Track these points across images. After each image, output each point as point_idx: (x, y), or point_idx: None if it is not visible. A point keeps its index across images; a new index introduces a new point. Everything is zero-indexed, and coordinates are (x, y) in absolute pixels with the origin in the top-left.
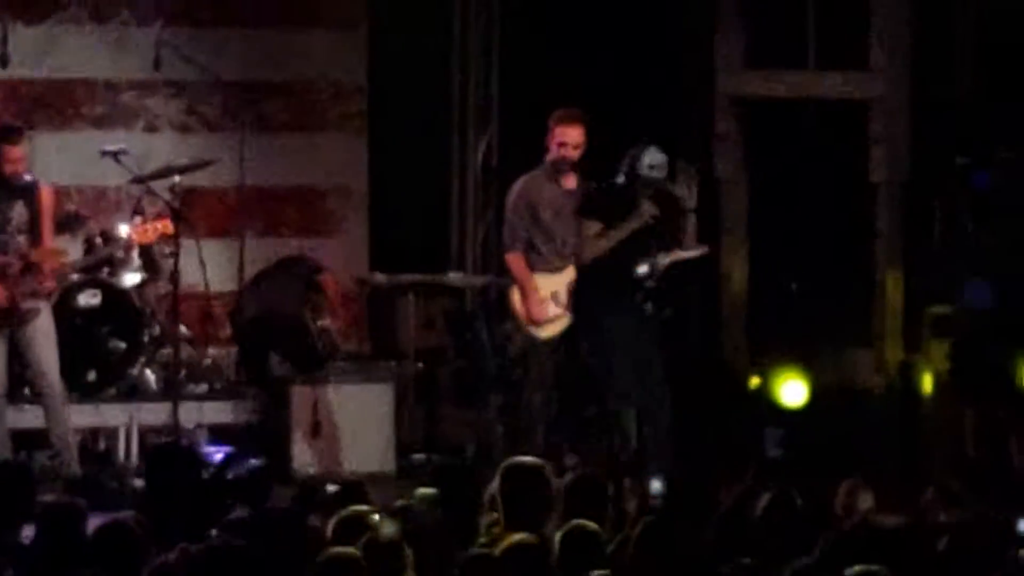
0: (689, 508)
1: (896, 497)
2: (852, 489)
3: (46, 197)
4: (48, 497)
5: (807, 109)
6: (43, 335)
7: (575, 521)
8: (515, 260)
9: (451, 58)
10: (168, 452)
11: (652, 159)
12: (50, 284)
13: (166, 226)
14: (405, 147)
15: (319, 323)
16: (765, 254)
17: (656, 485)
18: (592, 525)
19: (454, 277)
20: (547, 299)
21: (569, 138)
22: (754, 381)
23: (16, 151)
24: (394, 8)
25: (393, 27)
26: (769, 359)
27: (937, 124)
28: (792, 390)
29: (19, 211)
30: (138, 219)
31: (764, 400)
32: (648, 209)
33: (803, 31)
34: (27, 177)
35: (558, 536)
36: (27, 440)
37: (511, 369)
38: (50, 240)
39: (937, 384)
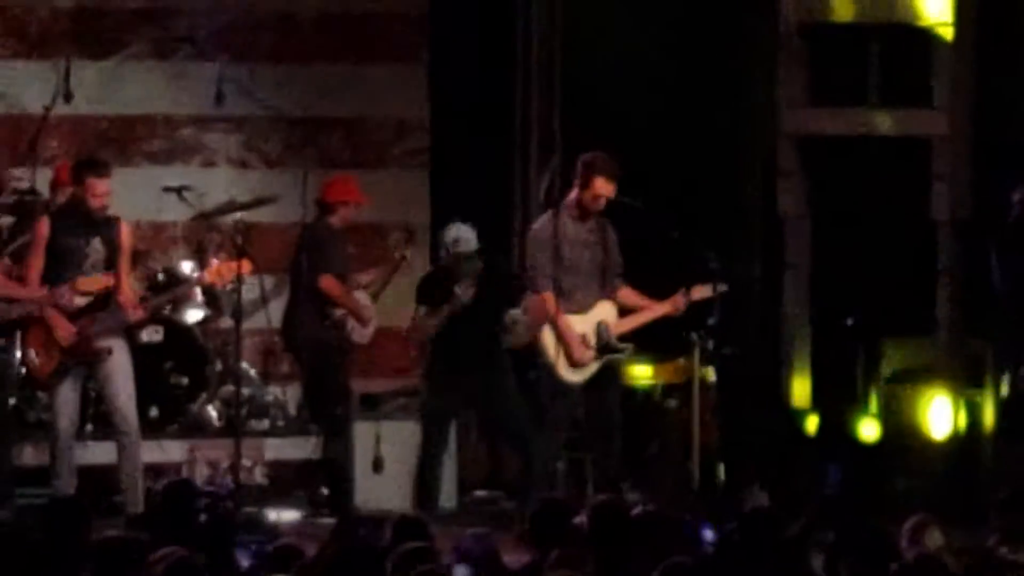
0: (750, 544)
1: (960, 535)
2: (919, 526)
3: (125, 235)
4: (109, 533)
5: (870, 146)
6: (120, 372)
7: (675, 558)
8: (550, 301)
9: (513, 93)
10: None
11: (456, 234)
12: (138, 314)
13: (243, 266)
14: (467, 183)
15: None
16: (828, 291)
17: (708, 533)
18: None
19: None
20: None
21: (607, 192)
22: (813, 420)
23: (102, 185)
24: (455, 43)
25: (455, 62)
26: (832, 397)
27: (999, 162)
28: (866, 427)
29: (96, 247)
30: (214, 261)
31: (827, 438)
32: (464, 291)
33: (866, 68)
34: (108, 213)
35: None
36: (92, 476)
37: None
38: (127, 279)
39: (1000, 422)
